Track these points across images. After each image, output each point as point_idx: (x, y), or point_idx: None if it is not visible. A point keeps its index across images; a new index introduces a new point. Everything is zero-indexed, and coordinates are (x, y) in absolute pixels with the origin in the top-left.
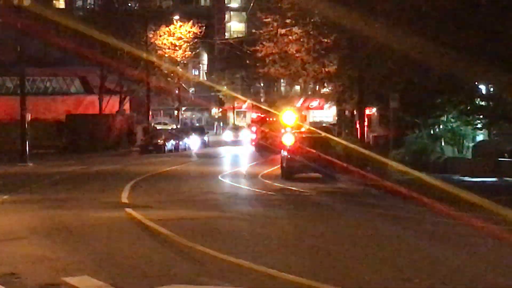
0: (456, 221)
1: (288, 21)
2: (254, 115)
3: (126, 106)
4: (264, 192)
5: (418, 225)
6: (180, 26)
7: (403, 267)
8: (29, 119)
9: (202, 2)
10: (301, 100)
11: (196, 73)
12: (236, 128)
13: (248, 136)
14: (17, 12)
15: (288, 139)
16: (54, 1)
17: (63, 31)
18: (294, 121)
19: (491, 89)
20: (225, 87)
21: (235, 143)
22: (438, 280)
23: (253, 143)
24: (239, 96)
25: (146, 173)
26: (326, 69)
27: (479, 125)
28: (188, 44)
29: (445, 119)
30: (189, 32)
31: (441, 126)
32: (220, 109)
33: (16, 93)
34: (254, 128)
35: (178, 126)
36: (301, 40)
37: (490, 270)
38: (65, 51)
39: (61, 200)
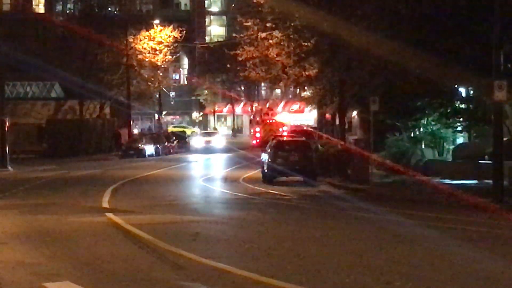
0: (432, 223)
1: (268, 25)
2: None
3: (107, 110)
4: (245, 196)
5: (398, 229)
6: (161, 30)
7: (383, 271)
8: (9, 124)
9: (183, 7)
10: (282, 103)
11: (177, 77)
12: (208, 133)
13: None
14: None
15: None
16: (33, 6)
17: (43, 36)
18: (289, 122)
19: (471, 92)
20: (206, 91)
21: (207, 150)
22: (419, 283)
23: (258, 141)
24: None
25: (127, 177)
26: (307, 73)
27: (459, 128)
28: (169, 48)
29: (425, 122)
30: (169, 36)
31: (421, 129)
32: (201, 113)
33: None
34: (258, 129)
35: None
36: (282, 43)
37: (469, 272)
38: (45, 56)
39: (42, 205)
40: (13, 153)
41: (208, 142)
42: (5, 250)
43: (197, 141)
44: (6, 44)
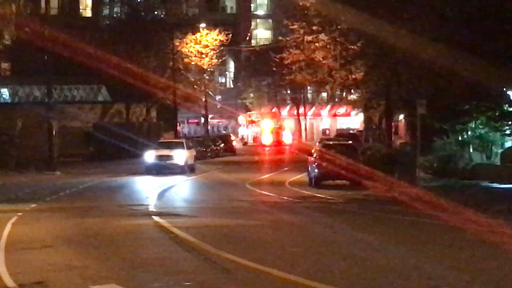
0: (485, 228)
1: (314, 28)
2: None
3: (153, 114)
4: (291, 199)
5: (444, 233)
6: (207, 34)
7: (431, 275)
8: (57, 127)
9: (229, 10)
10: (328, 107)
11: (223, 80)
12: (167, 145)
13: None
14: (44, 21)
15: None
16: (80, 10)
17: (90, 40)
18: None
19: None
20: (252, 95)
21: (162, 168)
22: None
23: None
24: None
25: (172, 181)
26: (353, 76)
27: (507, 131)
28: (215, 51)
29: (473, 125)
30: (215, 39)
31: (469, 132)
32: None
33: (43, 101)
34: (267, 132)
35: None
36: (328, 47)
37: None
38: (92, 60)
39: (89, 208)
40: (61, 156)
41: (162, 157)
42: (52, 253)
43: (149, 155)
44: (53, 48)
